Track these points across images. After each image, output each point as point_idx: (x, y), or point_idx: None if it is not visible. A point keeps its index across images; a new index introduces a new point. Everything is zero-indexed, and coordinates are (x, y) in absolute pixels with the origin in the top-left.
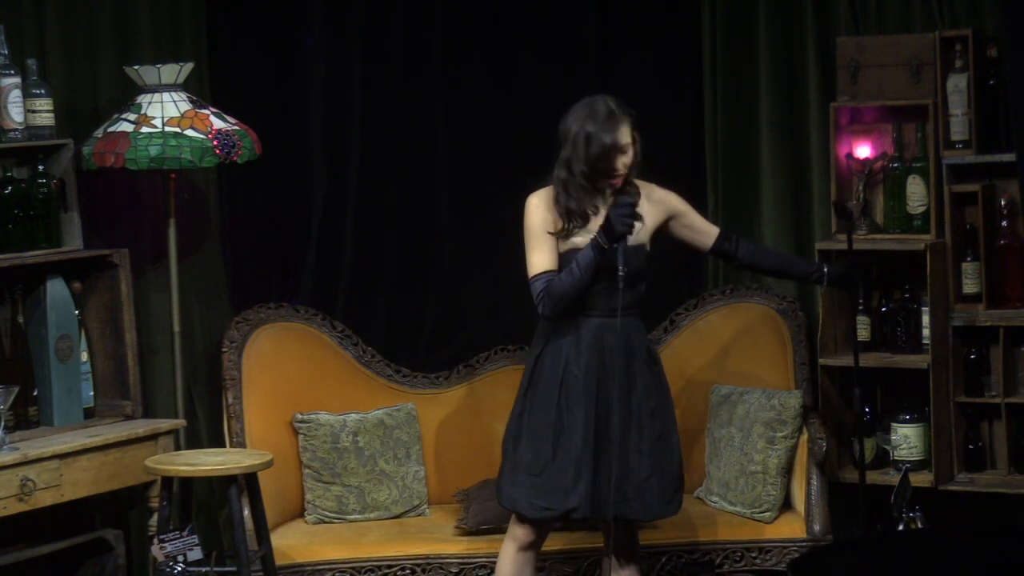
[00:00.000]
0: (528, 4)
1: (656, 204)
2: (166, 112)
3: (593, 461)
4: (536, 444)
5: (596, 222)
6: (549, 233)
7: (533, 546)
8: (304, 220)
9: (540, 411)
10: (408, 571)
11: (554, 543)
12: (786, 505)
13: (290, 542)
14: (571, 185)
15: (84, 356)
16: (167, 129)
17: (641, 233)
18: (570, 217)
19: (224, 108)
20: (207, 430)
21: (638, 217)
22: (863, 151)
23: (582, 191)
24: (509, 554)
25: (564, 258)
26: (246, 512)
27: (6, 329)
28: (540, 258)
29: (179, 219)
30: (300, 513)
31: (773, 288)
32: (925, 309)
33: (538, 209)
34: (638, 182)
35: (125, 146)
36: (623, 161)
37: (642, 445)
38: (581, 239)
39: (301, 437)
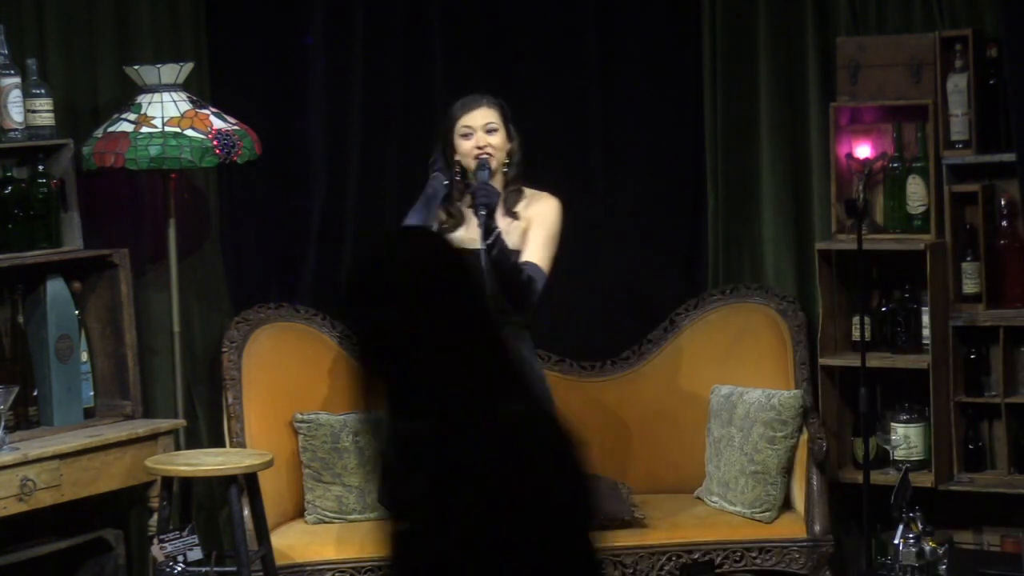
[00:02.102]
0: (528, 6)
1: (535, 214)
2: (166, 112)
3: None
4: None
5: (471, 226)
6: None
7: None
8: (304, 220)
9: None
10: None
11: None
12: (786, 505)
13: (290, 542)
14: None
15: (84, 356)
16: (167, 129)
17: (517, 237)
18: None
19: (224, 108)
20: (207, 430)
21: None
22: (863, 151)
23: (442, 185)
24: None
25: None
26: (246, 512)
27: (6, 329)
28: None
29: (179, 219)
30: (300, 513)
31: (773, 288)
32: (925, 309)
33: None
34: (528, 190)
35: (125, 146)
36: (479, 140)
37: None
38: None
39: (301, 437)
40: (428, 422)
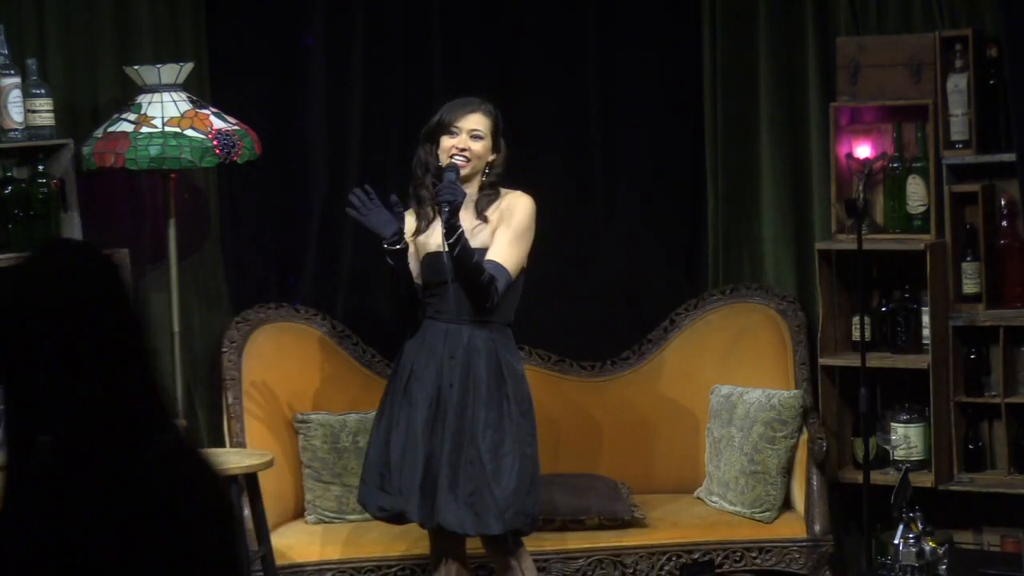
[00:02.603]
0: (528, 5)
1: (504, 211)
2: (166, 112)
3: (425, 467)
4: (381, 446)
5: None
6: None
7: (441, 558)
8: (304, 220)
9: (386, 414)
10: (408, 571)
11: (553, 544)
12: (786, 505)
13: (290, 542)
14: (415, 172)
15: None
16: (167, 129)
17: (487, 237)
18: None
19: (224, 108)
20: (207, 430)
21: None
22: (863, 151)
23: (419, 184)
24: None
25: (422, 263)
26: (246, 512)
27: None
28: None
29: (179, 219)
30: (300, 513)
31: (773, 288)
32: (925, 309)
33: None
34: (503, 190)
35: (125, 146)
36: (460, 142)
37: (474, 457)
38: (429, 240)
39: (301, 437)
40: (56, 456)
